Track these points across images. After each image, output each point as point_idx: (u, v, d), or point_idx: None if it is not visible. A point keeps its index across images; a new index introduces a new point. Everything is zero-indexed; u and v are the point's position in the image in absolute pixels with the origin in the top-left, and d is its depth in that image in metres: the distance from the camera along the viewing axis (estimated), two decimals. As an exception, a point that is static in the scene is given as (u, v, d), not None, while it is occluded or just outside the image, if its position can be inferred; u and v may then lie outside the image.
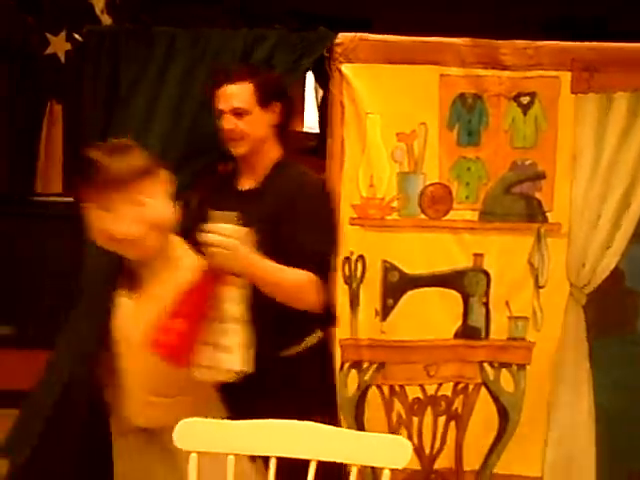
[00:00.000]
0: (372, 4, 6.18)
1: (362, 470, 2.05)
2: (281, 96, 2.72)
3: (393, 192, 3.24)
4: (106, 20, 4.84)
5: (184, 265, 2.35)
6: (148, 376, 2.36)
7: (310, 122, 5.78)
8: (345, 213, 3.21)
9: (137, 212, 2.29)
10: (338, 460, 2.02)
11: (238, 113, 2.65)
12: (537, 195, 3.26)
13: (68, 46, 5.00)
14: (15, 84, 5.07)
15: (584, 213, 3.24)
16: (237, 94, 2.66)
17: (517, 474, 3.31)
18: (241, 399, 2.37)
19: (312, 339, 2.69)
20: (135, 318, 2.36)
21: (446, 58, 3.21)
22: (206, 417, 2.10)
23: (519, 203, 3.26)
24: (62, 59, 5.05)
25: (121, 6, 5.01)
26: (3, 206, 4.95)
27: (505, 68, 3.21)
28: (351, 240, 3.20)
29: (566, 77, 3.20)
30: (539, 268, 3.26)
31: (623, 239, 3.25)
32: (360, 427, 3.24)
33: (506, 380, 3.28)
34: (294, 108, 2.78)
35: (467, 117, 3.24)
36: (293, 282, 2.47)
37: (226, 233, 2.24)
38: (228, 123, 2.67)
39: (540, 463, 3.30)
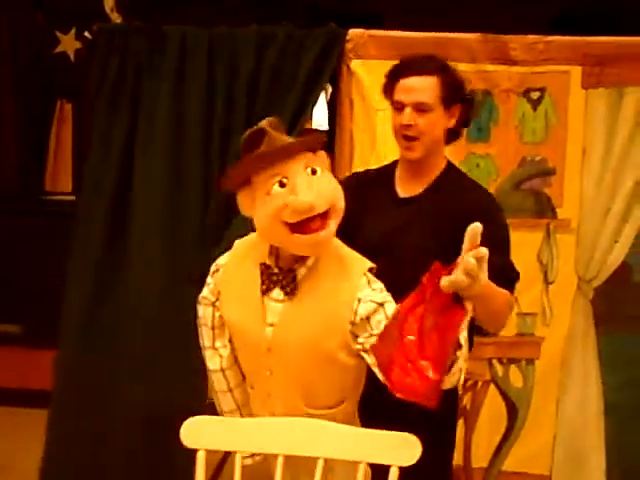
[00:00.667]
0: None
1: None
2: (463, 98, 2.48)
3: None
4: (116, 18, 4.85)
5: (357, 270, 2.15)
6: (308, 385, 2.18)
7: (319, 119, 5.76)
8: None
9: (312, 180, 2.08)
10: (346, 458, 2.01)
11: (420, 109, 2.41)
12: (546, 191, 3.25)
13: (78, 45, 5.03)
14: (25, 83, 5.08)
15: (593, 208, 3.22)
16: (423, 88, 2.41)
17: (525, 472, 3.30)
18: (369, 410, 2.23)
19: None
20: (295, 323, 2.15)
21: (456, 54, 3.18)
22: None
23: (528, 199, 3.24)
24: (72, 58, 5.07)
25: (131, 4, 5.02)
26: (13, 204, 4.96)
27: (515, 63, 3.20)
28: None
29: (576, 72, 3.18)
30: (548, 264, 3.25)
31: (631, 233, 3.23)
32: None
33: (515, 376, 3.27)
34: (472, 114, 2.53)
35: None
36: (509, 305, 2.37)
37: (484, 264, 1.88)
38: (407, 118, 2.41)
39: (549, 461, 3.29)
